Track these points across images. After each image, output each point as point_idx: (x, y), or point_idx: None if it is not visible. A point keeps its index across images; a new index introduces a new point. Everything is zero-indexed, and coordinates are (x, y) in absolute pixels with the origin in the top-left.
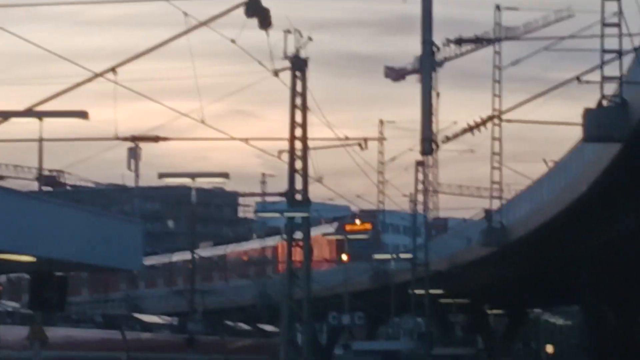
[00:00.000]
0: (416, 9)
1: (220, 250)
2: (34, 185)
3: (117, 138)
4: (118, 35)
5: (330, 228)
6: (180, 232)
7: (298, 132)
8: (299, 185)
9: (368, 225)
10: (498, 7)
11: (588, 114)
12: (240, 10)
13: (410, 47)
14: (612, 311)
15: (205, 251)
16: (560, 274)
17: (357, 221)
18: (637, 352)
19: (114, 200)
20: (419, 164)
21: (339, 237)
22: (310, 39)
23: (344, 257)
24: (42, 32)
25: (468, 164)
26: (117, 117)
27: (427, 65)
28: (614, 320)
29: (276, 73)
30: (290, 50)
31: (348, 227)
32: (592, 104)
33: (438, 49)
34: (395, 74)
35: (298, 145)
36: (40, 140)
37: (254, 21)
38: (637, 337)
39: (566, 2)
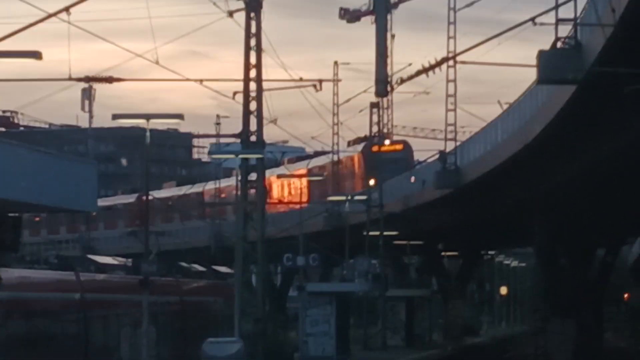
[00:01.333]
0: None
1: (176, 191)
2: None
3: (71, 79)
4: None
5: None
6: (134, 173)
7: (252, 73)
8: (253, 126)
9: (399, 146)
10: None
11: (542, 56)
12: None
13: None
14: (565, 252)
15: (161, 192)
16: (514, 216)
17: (387, 141)
18: (588, 291)
19: (68, 141)
20: (374, 105)
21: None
22: None
23: (372, 182)
24: None
25: (423, 105)
26: (71, 58)
27: (381, 6)
28: (566, 261)
29: (230, 14)
30: None
31: (375, 148)
32: (547, 46)
33: None
34: (350, 15)
35: (253, 86)
36: None
37: None
38: (588, 277)
39: None
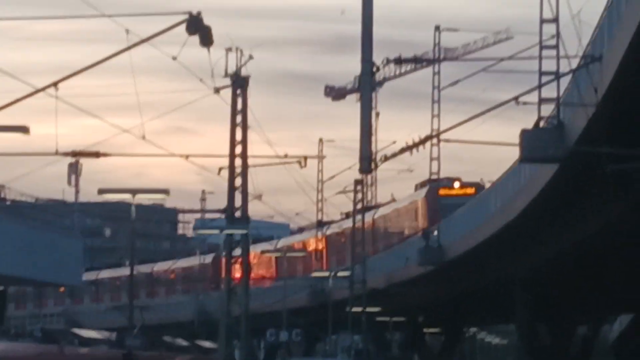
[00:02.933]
0: (356, 28)
1: (161, 267)
2: None
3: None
4: (59, 51)
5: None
6: (120, 246)
7: (238, 149)
8: (238, 202)
9: (470, 190)
10: (438, 28)
11: (525, 134)
12: (182, 28)
13: (350, 67)
14: (546, 329)
15: (146, 267)
16: (496, 293)
17: (456, 183)
18: None
19: (54, 215)
20: (358, 182)
21: (277, 254)
22: (251, 57)
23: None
24: None
25: (406, 183)
26: (58, 133)
27: (366, 84)
28: (548, 337)
29: (217, 90)
30: (231, 68)
31: (443, 192)
32: (530, 125)
33: (377, 68)
34: (335, 93)
35: (238, 162)
36: None
37: (196, 39)
38: (570, 355)
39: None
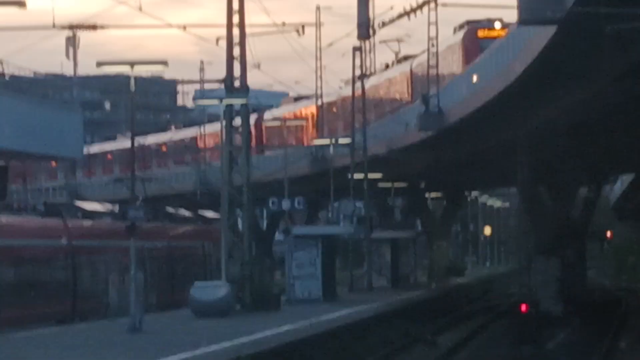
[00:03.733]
0: None
1: (162, 138)
2: None
3: (55, 26)
4: None
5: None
6: (119, 119)
7: (236, 19)
8: (237, 72)
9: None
10: None
11: None
12: None
13: None
14: (548, 191)
15: (147, 139)
16: (497, 157)
17: (497, 24)
18: (571, 230)
19: (53, 89)
20: (356, 49)
21: (278, 124)
22: None
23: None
24: None
25: (405, 48)
26: (55, 6)
27: None
28: (549, 201)
29: None
30: None
31: (481, 33)
32: None
33: None
34: None
35: (236, 32)
36: None
37: None
38: (571, 216)
39: None
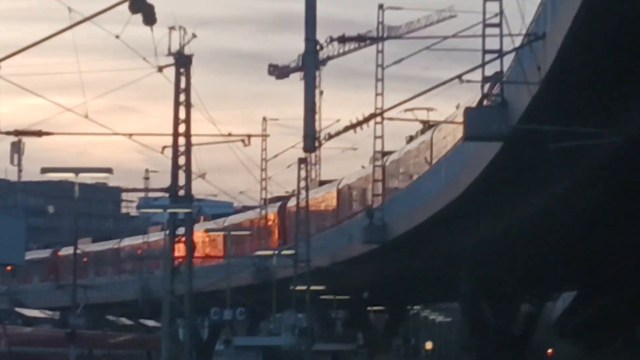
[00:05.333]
0: (299, 7)
1: (103, 246)
2: None
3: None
4: (1, 29)
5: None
6: (63, 226)
7: (182, 128)
8: (182, 181)
9: None
10: (381, 7)
11: (469, 113)
12: (125, 6)
13: (293, 45)
14: (489, 308)
15: (88, 246)
16: (439, 271)
17: None
18: (512, 347)
19: None
20: (302, 161)
21: (222, 233)
22: (194, 35)
23: None
24: None
25: (350, 161)
26: (1, 111)
27: (310, 63)
28: (491, 317)
29: (160, 69)
30: (175, 47)
31: None
32: (473, 103)
33: (321, 47)
34: (279, 71)
35: (182, 141)
36: None
37: (139, 17)
38: (513, 333)
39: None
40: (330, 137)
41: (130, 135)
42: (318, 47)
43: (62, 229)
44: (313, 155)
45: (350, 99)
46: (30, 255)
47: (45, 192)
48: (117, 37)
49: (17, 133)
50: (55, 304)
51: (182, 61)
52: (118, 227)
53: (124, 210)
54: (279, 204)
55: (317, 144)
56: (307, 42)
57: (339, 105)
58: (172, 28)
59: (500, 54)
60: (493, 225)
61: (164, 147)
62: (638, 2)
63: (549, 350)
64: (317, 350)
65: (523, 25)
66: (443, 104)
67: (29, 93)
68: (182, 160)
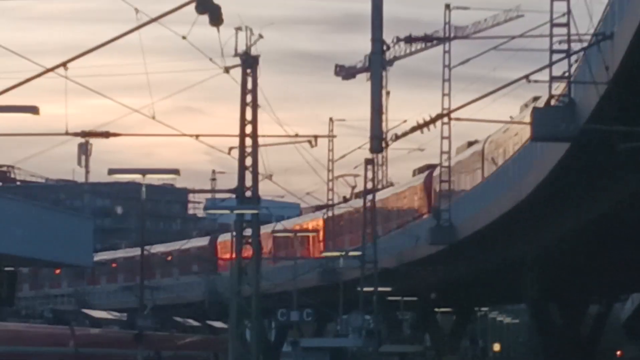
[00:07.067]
0: (366, 7)
1: (171, 247)
2: None
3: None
4: (68, 30)
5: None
6: (130, 227)
7: (248, 129)
8: (249, 182)
9: None
10: (448, 7)
11: (536, 113)
12: (192, 7)
13: (360, 46)
14: (557, 309)
15: (156, 247)
16: (507, 273)
17: None
18: (580, 348)
19: (65, 195)
20: (368, 162)
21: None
22: (261, 36)
23: None
24: None
25: (417, 162)
26: (68, 113)
27: (376, 63)
28: (559, 318)
29: (227, 70)
30: (241, 48)
31: None
32: (541, 104)
33: (388, 47)
34: (345, 72)
35: (248, 142)
36: None
37: (205, 18)
38: (581, 335)
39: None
40: (397, 137)
41: (197, 136)
42: (385, 48)
43: (129, 231)
44: (380, 156)
45: (416, 100)
46: (97, 257)
47: (113, 194)
48: (184, 37)
49: (84, 134)
50: (123, 306)
51: (249, 62)
52: (185, 229)
53: (191, 212)
54: (424, 174)
55: (383, 145)
56: (374, 43)
57: (405, 106)
58: (238, 29)
59: (568, 53)
60: (559, 227)
61: (230, 148)
62: None
63: (618, 352)
64: (384, 352)
65: (591, 25)
66: (510, 104)
67: (96, 94)
68: (248, 161)
